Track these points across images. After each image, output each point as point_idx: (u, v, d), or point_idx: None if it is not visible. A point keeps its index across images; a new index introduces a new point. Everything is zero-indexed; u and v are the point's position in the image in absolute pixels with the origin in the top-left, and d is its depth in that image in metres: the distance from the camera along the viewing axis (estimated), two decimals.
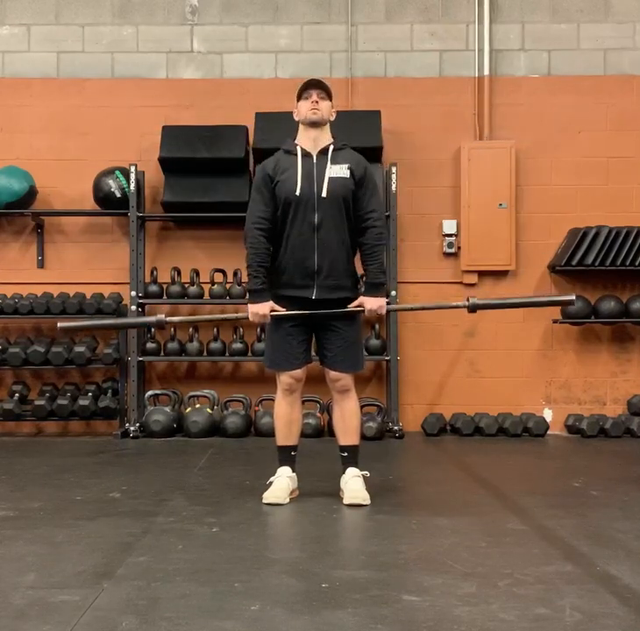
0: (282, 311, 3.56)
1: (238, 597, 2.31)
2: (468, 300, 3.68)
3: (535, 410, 6.08)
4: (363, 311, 3.59)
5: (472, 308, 3.68)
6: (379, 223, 3.61)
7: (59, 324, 3.83)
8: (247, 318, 3.63)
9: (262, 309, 3.55)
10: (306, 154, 3.58)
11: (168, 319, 3.79)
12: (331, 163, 3.56)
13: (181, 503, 3.58)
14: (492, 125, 6.24)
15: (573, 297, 3.89)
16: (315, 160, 3.57)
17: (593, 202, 6.19)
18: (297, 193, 3.51)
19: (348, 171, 3.55)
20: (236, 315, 3.68)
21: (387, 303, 5.74)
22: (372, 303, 3.58)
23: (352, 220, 3.59)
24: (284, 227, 3.57)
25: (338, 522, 3.32)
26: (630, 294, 6.11)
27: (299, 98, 3.61)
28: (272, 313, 3.55)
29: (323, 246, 3.52)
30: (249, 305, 3.61)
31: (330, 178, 3.53)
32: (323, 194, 3.51)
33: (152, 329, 6.05)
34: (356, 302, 3.60)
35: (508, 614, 2.16)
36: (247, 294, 3.78)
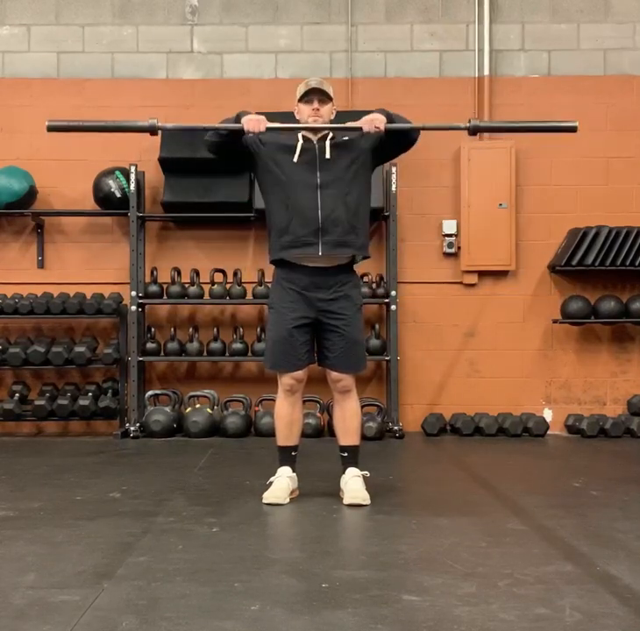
0: (278, 125, 3.54)
1: (238, 597, 2.31)
2: (469, 121, 3.63)
3: (535, 410, 6.08)
4: (361, 129, 3.52)
5: (473, 130, 3.65)
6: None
7: (47, 122, 3.70)
8: (242, 129, 3.54)
9: (255, 117, 3.53)
10: (307, 139, 3.63)
11: (160, 125, 3.68)
12: (331, 138, 3.60)
13: (181, 503, 3.58)
14: None
15: (576, 123, 3.73)
16: (315, 141, 3.62)
17: (593, 202, 6.19)
18: (295, 160, 3.54)
19: (346, 138, 3.60)
20: (232, 126, 3.55)
21: (388, 300, 5.86)
22: (373, 115, 3.53)
23: (357, 182, 3.59)
24: (279, 190, 3.57)
25: (338, 522, 3.31)
26: (630, 294, 6.11)
27: (300, 99, 3.63)
28: (268, 125, 3.51)
29: (326, 204, 3.52)
30: (242, 119, 3.54)
31: (333, 143, 3.57)
32: (327, 156, 3.54)
33: (153, 329, 6.05)
34: (357, 122, 3.54)
35: (508, 614, 2.16)
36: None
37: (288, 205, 3.55)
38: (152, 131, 3.69)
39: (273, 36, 6.33)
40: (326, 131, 3.63)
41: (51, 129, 3.75)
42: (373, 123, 3.51)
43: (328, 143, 3.57)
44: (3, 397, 5.97)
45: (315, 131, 3.63)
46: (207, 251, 6.21)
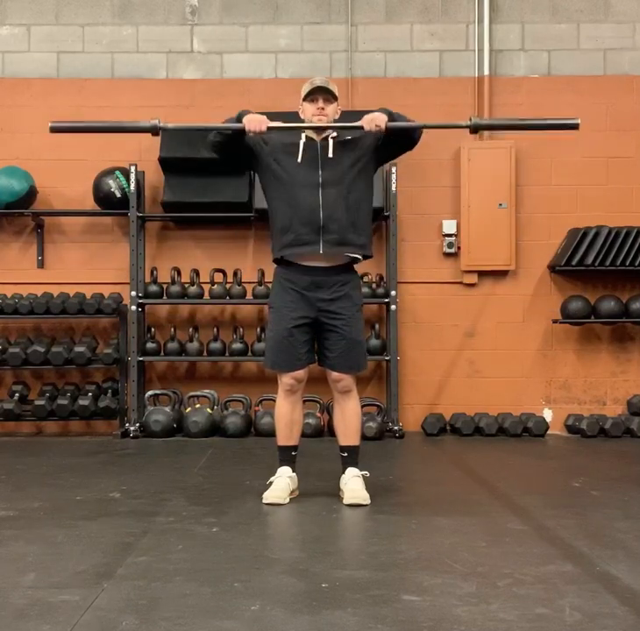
0: (280, 125, 3.52)
1: (238, 597, 2.31)
2: (471, 119, 3.62)
3: (535, 410, 6.08)
4: (362, 127, 3.51)
5: (474, 128, 3.64)
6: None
7: (50, 124, 3.69)
8: (244, 129, 3.52)
9: (256, 116, 3.50)
10: (310, 138, 3.63)
11: (162, 125, 3.67)
12: (333, 137, 3.61)
13: (181, 503, 3.58)
14: None
15: (577, 120, 3.71)
16: (319, 141, 3.62)
17: (593, 202, 6.19)
18: (299, 160, 3.54)
19: (350, 137, 3.61)
20: (232, 125, 3.54)
21: (388, 299, 5.86)
22: (373, 115, 3.50)
23: (359, 183, 3.59)
24: (281, 189, 3.57)
25: (338, 522, 3.31)
26: (630, 294, 6.11)
27: (305, 98, 3.63)
28: (269, 125, 3.49)
29: (328, 202, 3.51)
30: (244, 118, 3.51)
31: (335, 142, 3.57)
32: (330, 155, 3.54)
33: (153, 329, 6.05)
34: (359, 121, 3.52)
35: (508, 614, 2.16)
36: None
37: (289, 204, 3.55)
38: (153, 131, 3.68)
39: (273, 36, 6.33)
40: (329, 131, 3.63)
41: (54, 130, 3.76)
42: (374, 121, 3.49)
43: (331, 141, 3.58)
44: (3, 397, 5.97)
45: (318, 131, 3.62)
46: (207, 251, 6.21)
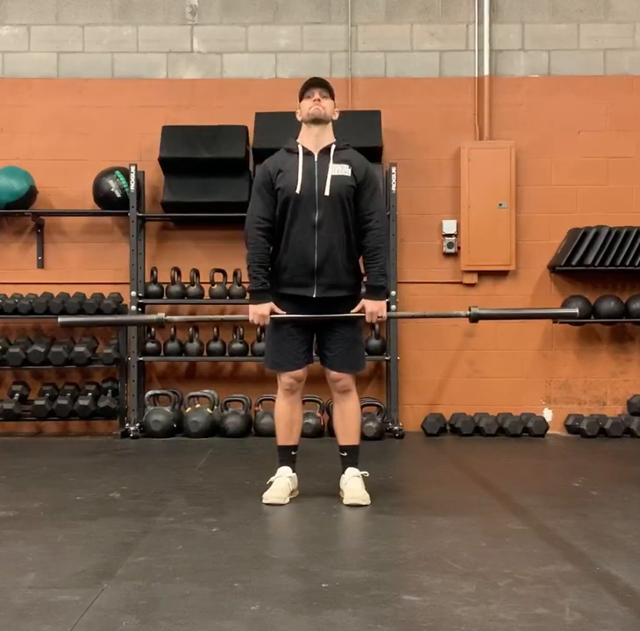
0: (282, 314, 3.57)
1: (238, 597, 2.31)
2: (470, 309, 3.69)
3: (535, 410, 6.08)
4: (364, 316, 3.58)
5: (474, 318, 3.70)
6: (379, 224, 3.59)
7: (59, 319, 3.87)
8: (247, 319, 3.64)
9: (262, 310, 3.55)
10: (307, 153, 3.58)
11: (168, 318, 3.83)
12: (334, 162, 3.56)
13: (181, 503, 3.58)
14: (492, 125, 6.23)
15: (576, 310, 3.91)
16: (316, 159, 3.56)
17: (593, 202, 6.19)
18: (297, 191, 3.51)
19: (349, 170, 3.55)
20: (236, 316, 3.68)
21: (388, 299, 5.83)
22: (372, 307, 3.57)
23: (353, 218, 3.57)
24: (283, 225, 3.56)
25: (338, 522, 3.32)
26: (630, 294, 6.11)
27: (301, 97, 3.61)
28: (272, 315, 3.56)
29: (323, 245, 3.51)
30: (250, 306, 3.61)
31: (332, 176, 3.52)
32: (326, 193, 3.51)
33: (153, 329, 6.05)
34: (358, 307, 3.59)
35: (508, 614, 2.16)
36: (248, 295, 3.75)
37: (288, 241, 3.56)
38: (160, 325, 3.88)
39: (273, 36, 6.33)
40: (329, 144, 3.59)
41: (63, 325, 4.05)
42: (375, 315, 3.56)
43: (329, 177, 3.51)
44: (3, 397, 5.97)
45: (316, 147, 3.58)
46: (207, 251, 6.21)
